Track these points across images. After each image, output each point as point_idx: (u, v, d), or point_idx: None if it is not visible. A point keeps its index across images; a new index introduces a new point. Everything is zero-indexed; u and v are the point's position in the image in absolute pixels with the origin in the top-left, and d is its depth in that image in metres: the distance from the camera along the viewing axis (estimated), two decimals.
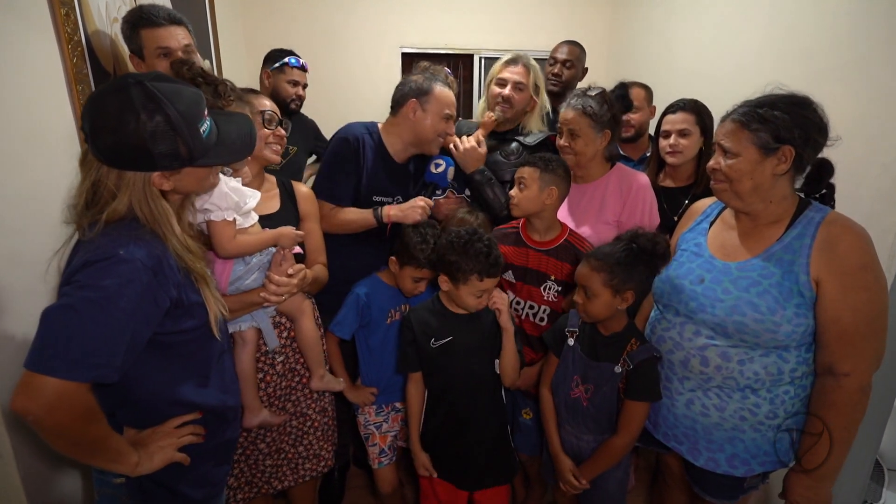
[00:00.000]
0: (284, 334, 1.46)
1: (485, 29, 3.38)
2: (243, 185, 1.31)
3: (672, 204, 1.88)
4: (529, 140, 1.96)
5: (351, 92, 3.27)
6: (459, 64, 3.46)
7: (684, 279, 1.26)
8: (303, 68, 2.33)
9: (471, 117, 3.44)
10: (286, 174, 2.26)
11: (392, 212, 1.65)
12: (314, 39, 3.22)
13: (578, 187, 1.77)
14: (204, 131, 0.93)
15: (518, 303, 1.70)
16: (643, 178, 1.71)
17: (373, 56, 3.28)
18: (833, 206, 1.23)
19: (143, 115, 0.85)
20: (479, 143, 1.88)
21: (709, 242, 1.30)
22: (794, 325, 1.09)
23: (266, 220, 1.40)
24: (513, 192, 1.59)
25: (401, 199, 1.80)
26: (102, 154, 0.88)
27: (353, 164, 1.66)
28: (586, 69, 2.51)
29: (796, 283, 1.10)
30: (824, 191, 1.20)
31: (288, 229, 1.38)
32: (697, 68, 2.44)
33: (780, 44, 1.89)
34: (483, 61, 3.45)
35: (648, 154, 2.23)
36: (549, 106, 2.04)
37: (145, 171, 0.90)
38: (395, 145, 1.76)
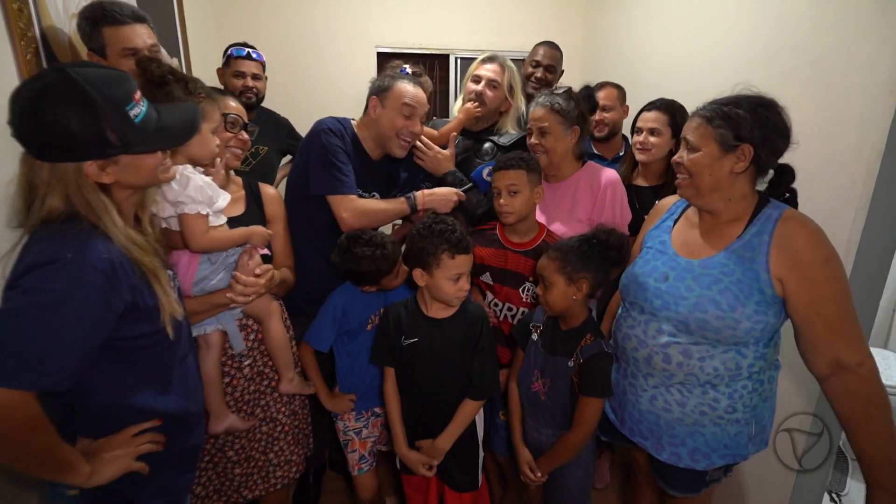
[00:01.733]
0: (252, 337, 1.44)
1: (461, 29, 3.37)
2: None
3: (644, 202, 1.91)
4: (504, 140, 1.97)
5: (326, 92, 3.23)
6: (435, 64, 3.45)
7: (649, 277, 1.28)
8: (249, 57, 2.22)
9: (447, 118, 3.44)
10: (257, 175, 2.23)
11: (427, 198, 1.68)
12: (289, 38, 3.18)
13: (550, 186, 1.78)
14: (136, 116, 0.89)
15: (496, 304, 1.71)
16: (612, 174, 1.74)
17: (348, 56, 3.24)
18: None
19: (62, 101, 0.81)
20: (450, 139, 1.89)
21: (673, 240, 1.32)
22: (753, 322, 1.12)
23: (231, 223, 1.37)
24: (503, 200, 1.58)
25: (377, 196, 1.79)
26: (30, 147, 0.85)
27: (343, 150, 1.62)
28: (562, 71, 2.53)
29: (756, 280, 1.12)
30: (787, 195, 1.22)
31: (259, 228, 1.36)
32: (669, 68, 2.48)
33: (746, 46, 1.93)
34: (459, 61, 3.44)
35: (622, 153, 2.27)
36: (524, 108, 2.04)
37: (75, 160, 0.86)
38: (367, 142, 1.74)
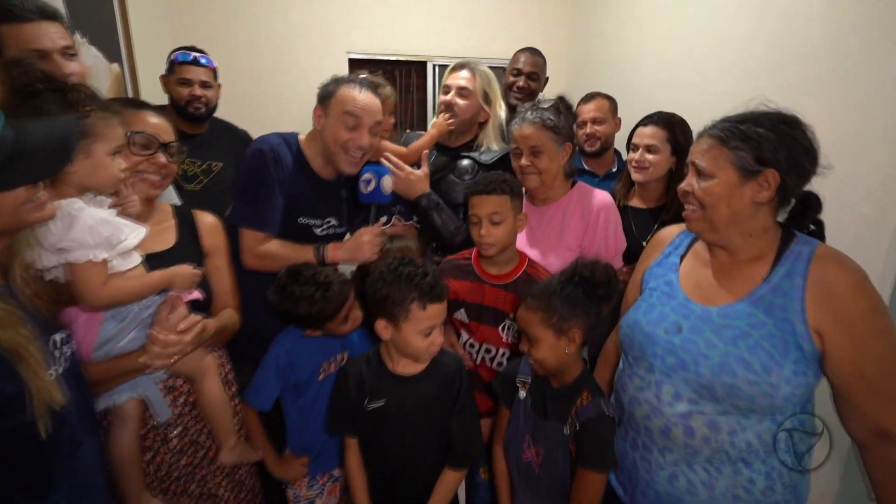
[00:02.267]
0: (181, 401, 1.18)
1: (439, 35, 3.19)
2: (128, 217, 1.03)
3: (640, 226, 1.72)
4: (485, 157, 1.76)
5: (291, 102, 3.00)
6: (412, 72, 3.24)
7: (657, 327, 1.07)
8: (196, 63, 1.98)
9: (425, 129, 3.23)
10: (211, 195, 1.99)
11: (339, 254, 1.44)
12: (251, 42, 2.95)
13: (537, 210, 1.58)
14: None
15: (472, 345, 1.49)
16: (605, 196, 1.55)
17: (317, 62, 3.02)
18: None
19: None
20: (422, 156, 1.67)
21: (681, 281, 1.11)
22: (793, 387, 0.91)
23: (157, 260, 1.13)
24: (483, 230, 1.37)
25: (334, 223, 1.57)
26: None
27: (272, 178, 1.41)
28: (547, 79, 2.34)
29: (793, 333, 0.92)
30: (812, 228, 1.03)
31: (183, 268, 1.11)
32: (665, 77, 2.31)
33: (752, 50, 1.75)
34: (437, 69, 3.25)
35: (615, 170, 2.08)
36: (504, 117, 1.84)
37: None
38: (315, 159, 1.52)
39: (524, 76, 2.23)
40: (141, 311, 1.05)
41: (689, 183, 1.02)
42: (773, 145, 0.93)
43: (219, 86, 2.08)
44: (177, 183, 1.74)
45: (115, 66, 2.12)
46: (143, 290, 1.02)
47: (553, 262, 1.51)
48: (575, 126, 1.87)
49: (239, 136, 2.21)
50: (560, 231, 1.55)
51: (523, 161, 1.51)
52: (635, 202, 1.78)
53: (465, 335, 1.51)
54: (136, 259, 1.05)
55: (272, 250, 1.42)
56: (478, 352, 1.48)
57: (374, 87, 1.50)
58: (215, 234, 1.33)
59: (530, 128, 1.48)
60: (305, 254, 1.44)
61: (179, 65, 1.95)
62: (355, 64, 3.08)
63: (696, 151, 1.02)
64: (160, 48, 2.55)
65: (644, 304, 1.15)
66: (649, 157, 1.65)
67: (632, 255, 1.50)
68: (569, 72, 3.27)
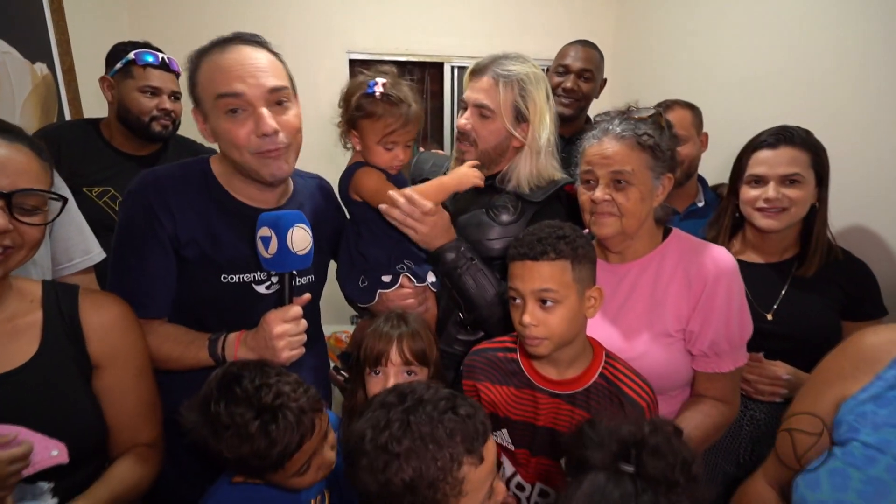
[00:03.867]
0: None
1: (459, 30, 2.73)
2: None
3: (760, 291, 1.18)
4: (534, 194, 1.20)
5: None
6: (426, 75, 2.77)
7: None
8: (165, 67, 1.53)
9: (441, 145, 2.73)
10: None
11: (241, 352, 0.93)
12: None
13: (610, 269, 1.10)
14: None
15: (521, 487, 1.00)
16: (722, 255, 1.03)
17: (313, 63, 2.56)
18: None
19: None
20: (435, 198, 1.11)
21: None
22: None
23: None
24: (527, 317, 0.88)
25: (273, 282, 1.05)
26: None
27: (145, 234, 0.96)
28: (605, 80, 1.81)
29: None
30: None
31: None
32: (737, 80, 1.86)
33: (812, 36, 1.54)
34: (456, 71, 2.79)
35: (700, 204, 1.54)
36: (550, 138, 1.23)
37: None
38: (237, 188, 1.02)
39: (573, 74, 1.72)
40: None
41: None
42: None
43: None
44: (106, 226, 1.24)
45: (41, 66, 1.63)
46: None
47: (641, 356, 1.00)
48: None
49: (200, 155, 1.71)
50: (651, 305, 1.04)
51: (598, 194, 1.00)
52: (748, 255, 1.24)
53: (508, 467, 1.02)
54: None
55: (152, 345, 0.95)
56: (530, 497, 0.99)
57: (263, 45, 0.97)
58: (116, 332, 0.85)
59: (617, 145, 0.98)
60: (195, 350, 0.95)
61: (143, 68, 1.48)
62: (357, 65, 2.62)
63: None
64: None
65: (857, 478, 0.65)
66: (790, 192, 1.10)
67: (754, 339, 1.02)
68: (613, 71, 2.76)
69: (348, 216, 1.21)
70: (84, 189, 1.43)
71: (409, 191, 1.07)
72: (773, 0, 1.80)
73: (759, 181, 1.14)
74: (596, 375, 0.95)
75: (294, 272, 0.94)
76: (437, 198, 1.09)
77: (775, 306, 1.16)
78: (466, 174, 1.12)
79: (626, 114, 1.00)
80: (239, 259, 0.99)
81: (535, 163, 1.18)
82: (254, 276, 1.01)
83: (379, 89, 1.04)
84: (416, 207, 1.05)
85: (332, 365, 1.50)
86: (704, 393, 1.03)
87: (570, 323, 0.90)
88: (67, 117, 1.77)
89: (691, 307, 1.01)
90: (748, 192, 1.16)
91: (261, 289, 1.03)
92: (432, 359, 1.01)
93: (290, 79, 0.99)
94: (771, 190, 1.11)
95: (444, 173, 1.31)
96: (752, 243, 1.23)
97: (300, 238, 0.91)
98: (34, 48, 1.61)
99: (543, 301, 0.88)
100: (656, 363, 1.00)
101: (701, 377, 1.02)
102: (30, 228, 0.73)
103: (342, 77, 2.59)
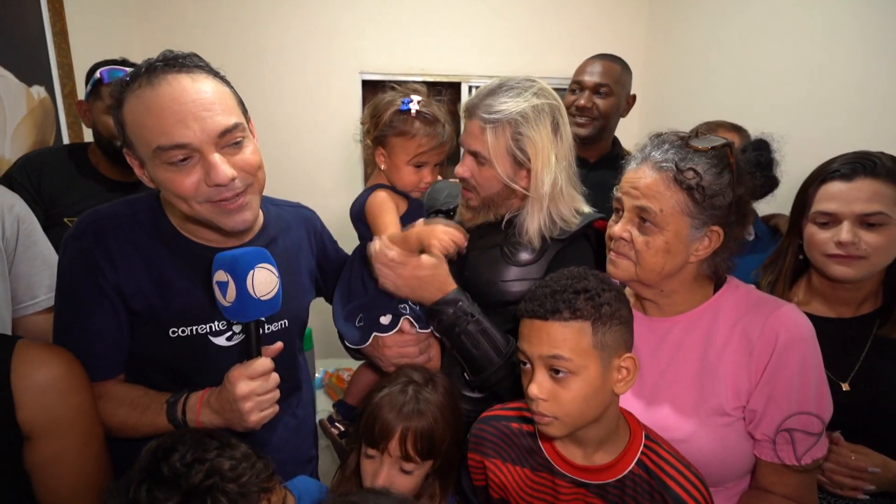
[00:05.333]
0: None
1: (477, 49, 2.60)
2: None
3: (833, 355, 0.96)
4: (557, 231, 1.04)
5: (296, 128, 2.44)
6: (442, 95, 2.62)
7: None
8: None
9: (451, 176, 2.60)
10: None
11: (204, 415, 0.80)
12: (244, 59, 2.40)
13: (649, 324, 0.92)
14: None
15: None
16: (794, 316, 0.83)
17: (323, 85, 2.47)
18: None
19: None
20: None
21: None
22: None
23: None
24: (535, 389, 0.73)
25: (235, 332, 0.91)
26: None
27: (87, 284, 0.83)
28: (633, 97, 1.64)
29: None
30: None
31: None
32: (787, 100, 1.60)
33: (883, 46, 1.34)
34: (472, 91, 2.62)
35: (750, 238, 1.34)
36: (567, 172, 1.06)
37: None
38: (194, 228, 0.88)
39: (587, 91, 1.56)
40: None
41: None
42: None
43: None
44: None
45: (38, 89, 1.57)
46: None
47: (689, 437, 0.82)
48: None
49: None
50: (701, 374, 0.86)
51: (616, 228, 0.86)
52: (815, 306, 1.03)
53: None
54: None
55: (105, 412, 0.82)
56: None
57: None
58: (55, 394, 0.72)
59: (651, 176, 0.82)
60: (154, 415, 0.82)
61: (108, 86, 1.36)
62: (370, 86, 2.51)
63: None
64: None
65: None
66: (869, 237, 0.89)
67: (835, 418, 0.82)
68: (643, 87, 2.60)
69: (360, 241, 1.08)
70: (65, 219, 1.33)
71: (385, 234, 0.95)
72: (835, 3, 1.60)
73: (830, 220, 0.94)
74: (633, 463, 0.76)
75: (262, 319, 0.80)
76: (402, 247, 0.94)
77: (853, 374, 0.95)
78: (439, 237, 0.92)
79: (683, 139, 0.82)
80: (193, 309, 0.85)
81: (544, 212, 1.00)
82: (209, 327, 0.87)
83: (414, 107, 0.98)
84: (382, 252, 0.93)
85: (324, 412, 1.34)
86: (770, 489, 0.82)
87: (587, 401, 0.73)
88: (66, 142, 1.71)
89: (753, 380, 0.81)
90: (816, 234, 0.96)
91: (219, 341, 0.89)
92: (441, 450, 0.85)
93: (242, 104, 0.84)
94: (845, 232, 0.90)
95: (454, 211, 1.17)
96: (819, 292, 1.02)
97: (263, 280, 0.76)
98: (31, 71, 1.55)
99: (556, 370, 0.72)
100: (708, 448, 0.81)
101: (766, 468, 0.82)
102: None
103: (355, 98, 2.49)
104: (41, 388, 0.71)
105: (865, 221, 0.90)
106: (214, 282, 0.76)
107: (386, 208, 1.01)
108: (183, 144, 0.73)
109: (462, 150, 1.06)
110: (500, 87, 0.99)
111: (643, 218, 0.82)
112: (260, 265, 0.76)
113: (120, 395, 0.85)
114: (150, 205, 0.88)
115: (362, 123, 1.06)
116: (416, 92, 1.02)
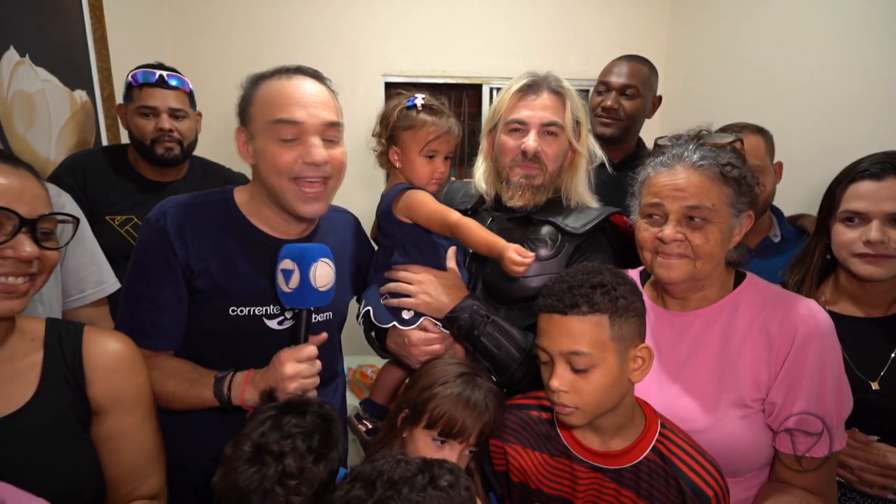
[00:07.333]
0: None
1: (496, 52, 2.61)
2: None
3: (862, 354, 0.97)
4: (572, 222, 1.08)
5: None
6: (463, 97, 2.68)
7: None
8: (163, 83, 1.43)
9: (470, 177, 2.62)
10: None
11: (248, 393, 0.86)
12: (277, 63, 2.43)
13: (669, 318, 0.94)
14: None
15: None
16: (813, 310, 0.84)
17: (347, 87, 2.46)
18: None
19: None
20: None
21: None
22: None
23: None
24: (555, 381, 0.75)
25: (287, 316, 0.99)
26: None
27: (160, 265, 0.93)
28: (659, 98, 1.65)
29: None
30: None
31: None
32: (818, 99, 1.58)
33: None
34: (494, 93, 2.66)
35: (776, 239, 1.34)
36: (597, 153, 1.16)
37: None
38: (265, 220, 1.00)
39: (614, 92, 1.57)
40: None
41: None
42: None
43: (198, 115, 1.55)
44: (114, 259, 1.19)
45: (80, 93, 1.65)
46: None
47: (706, 429, 0.83)
48: None
49: (229, 181, 1.65)
50: (720, 366, 0.87)
51: (668, 231, 0.85)
52: (843, 306, 1.02)
53: None
54: None
55: (155, 381, 0.89)
56: None
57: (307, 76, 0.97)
58: (120, 374, 0.79)
59: (695, 175, 0.84)
60: (201, 389, 0.90)
61: (139, 88, 1.43)
62: (392, 88, 2.55)
63: None
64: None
65: None
66: None
67: (857, 413, 0.84)
68: (665, 86, 2.59)
69: (386, 239, 1.13)
70: (107, 217, 1.40)
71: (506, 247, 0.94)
72: (867, 2, 1.56)
73: (859, 219, 0.94)
74: (648, 450, 0.78)
75: (312, 308, 0.87)
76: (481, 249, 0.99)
77: (882, 373, 0.94)
78: (510, 257, 0.91)
79: (699, 139, 0.85)
80: (253, 290, 0.94)
81: (586, 180, 1.14)
82: (266, 310, 0.96)
83: (419, 101, 1.07)
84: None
85: (352, 407, 1.38)
86: (789, 480, 0.83)
87: (607, 391, 0.75)
88: (105, 143, 1.79)
89: (773, 373, 0.82)
90: (844, 233, 0.96)
91: (272, 324, 0.97)
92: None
93: (341, 115, 0.98)
94: (874, 231, 0.90)
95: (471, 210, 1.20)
96: (847, 292, 1.01)
97: (323, 273, 0.86)
98: (74, 76, 1.63)
99: (574, 365, 0.74)
100: (727, 439, 0.82)
101: (785, 460, 0.83)
102: (51, 253, 0.71)
103: (378, 100, 2.52)
104: (109, 368, 0.78)
105: (895, 220, 0.90)
106: (279, 269, 0.85)
107: (430, 198, 1.08)
108: (297, 122, 0.89)
109: (519, 128, 1.10)
110: (550, 75, 1.13)
111: (692, 217, 0.84)
112: (323, 259, 0.86)
113: (170, 367, 0.93)
114: (224, 198, 0.99)
115: (374, 135, 1.13)
116: (418, 93, 1.11)
